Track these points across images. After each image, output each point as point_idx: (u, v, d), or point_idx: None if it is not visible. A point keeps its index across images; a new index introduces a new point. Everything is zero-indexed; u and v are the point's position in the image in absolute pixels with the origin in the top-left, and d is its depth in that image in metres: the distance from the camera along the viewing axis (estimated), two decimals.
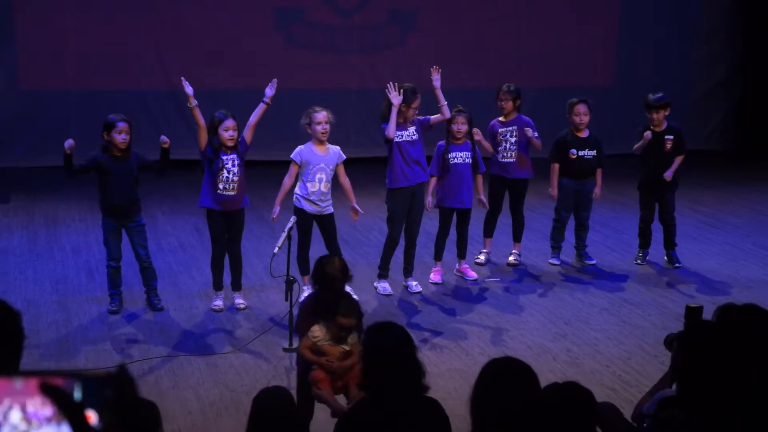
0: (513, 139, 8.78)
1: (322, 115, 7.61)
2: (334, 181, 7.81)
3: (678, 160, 8.84)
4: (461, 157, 8.25)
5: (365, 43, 13.40)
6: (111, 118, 7.36)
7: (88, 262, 8.82)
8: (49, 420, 1.75)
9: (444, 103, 7.95)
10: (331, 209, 7.83)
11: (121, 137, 7.30)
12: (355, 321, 5.32)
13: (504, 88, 8.78)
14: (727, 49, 14.59)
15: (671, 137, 8.83)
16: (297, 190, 7.76)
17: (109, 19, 12.47)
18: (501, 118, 8.84)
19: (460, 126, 8.20)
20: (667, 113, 8.81)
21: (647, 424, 3.97)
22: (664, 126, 8.84)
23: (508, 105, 8.75)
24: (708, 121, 14.52)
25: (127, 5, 12.54)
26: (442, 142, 8.30)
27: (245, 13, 12.91)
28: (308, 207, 7.73)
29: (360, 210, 7.95)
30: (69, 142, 7.29)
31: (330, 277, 5.39)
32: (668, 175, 8.78)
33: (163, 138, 7.63)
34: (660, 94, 8.85)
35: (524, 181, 8.94)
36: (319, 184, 7.68)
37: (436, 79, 7.96)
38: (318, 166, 7.67)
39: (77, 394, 1.75)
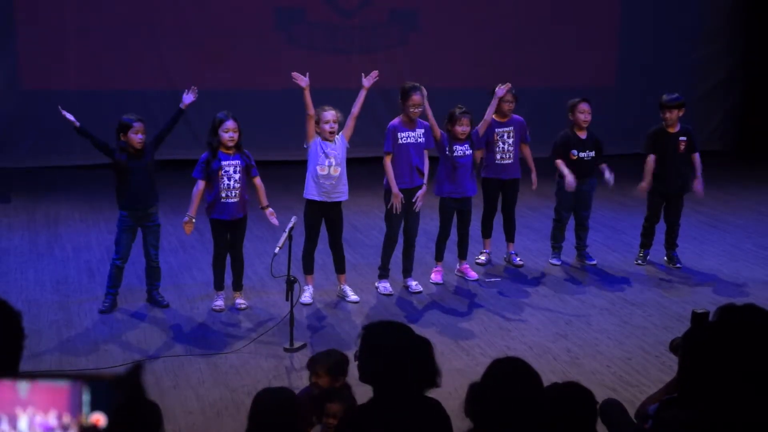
0: (511, 140, 8.77)
1: (330, 114, 7.69)
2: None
3: (697, 162, 8.92)
4: (461, 150, 8.27)
5: (366, 44, 13.40)
6: (127, 120, 7.44)
7: (89, 262, 8.82)
8: (52, 430, 1.75)
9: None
10: (342, 198, 7.87)
11: (138, 137, 7.42)
12: (341, 406, 4.99)
13: (509, 89, 8.71)
14: (727, 49, 14.60)
15: (684, 138, 8.84)
16: (307, 180, 7.79)
17: (110, 19, 12.48)
18: (495, 116, 8.71)
19: (465, 128, 8.21)
20: (681, 114, 8.81)
21: (649, 425, 3.96)
22: (677, 127, 8.84)
23: (512, 105, 8.74)
24: (708, 121, 14.52)
25: (127, 5, 12.54)
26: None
27: (246, 13, 12.92)
28: (318, 195, 7.76)
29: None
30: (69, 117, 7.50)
31: (316, 382, 5.11)
32: (699, 189, 8.92)
33: (188, 99, 7.67)
34: (675, 95, 8.86)
35: (517, 182, 8.95)
36: (328, 168, 7.73)
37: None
38: (326, 150, 7.73)
39: (86, 397, 1.76)
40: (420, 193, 8.07)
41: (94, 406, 1.75)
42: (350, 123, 7.85)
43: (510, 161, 8.81)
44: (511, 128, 8.77)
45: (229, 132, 7.45)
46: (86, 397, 1.75)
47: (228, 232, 7.69)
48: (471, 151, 8.32)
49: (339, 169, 7.78)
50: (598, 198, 9.19)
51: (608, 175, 8.77)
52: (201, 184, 7.51)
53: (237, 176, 7.51)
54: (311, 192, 7.82)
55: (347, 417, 4.09)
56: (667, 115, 8.78)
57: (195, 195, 7.53)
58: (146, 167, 7.54)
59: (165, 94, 12.78)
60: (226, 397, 6.18)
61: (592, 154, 8.85)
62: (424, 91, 7.98)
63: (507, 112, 8.73)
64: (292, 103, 12.66)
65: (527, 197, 9.96)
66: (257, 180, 7.65)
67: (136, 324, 7.46)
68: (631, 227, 9.85)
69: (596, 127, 9.08)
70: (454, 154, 8.24)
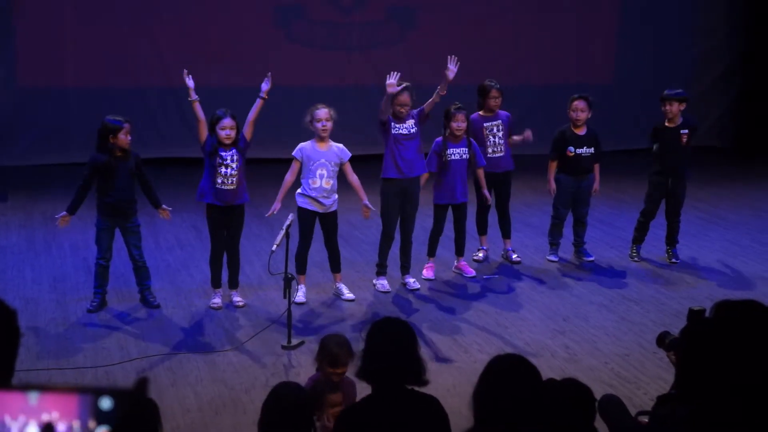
0: (500, 133, 8.81)
1: (322, 113, 7.63)
2: (342, 179, 7.81)
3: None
4: (458, 153, 8.27)
5: (364, 41, 13.39)
6: (116, 122, 7.38)
7: (86, 260, 8.81)
8: None
9: (443, 92, 7.85)
10: (335, 207, 7.84)
11: (128, 139, 7.39)
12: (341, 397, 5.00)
13: (495, 85, 8.75)
14: (725, 45, 14.59)
15: (686, 131, 8.83)
16: (299, 189, 7.77)
17: (108, 17, 12.45)
18: (482, 113, 8.81)
19: (460, 123, 8.21)
20: (682, 108, 8.80)
21: (648, 421, 3.97)
22: (679, 121, 8.84)
23: (499, 101, 8.77)
24: (706, 117, 14.49)
25: (126, 3, 12.52)
26: (439, 139, 8.30)
27: (245, 10, 12.90)
28: (311, 206, 7.73)
29: (371, 207, 7.91)
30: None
31: (334, 356, 4.95)
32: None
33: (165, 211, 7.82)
34: (679, 90, 8.88)
35: (510, 174, 8.96)
36: (320, 180, 7.70)
37: (452, 71, 7.89)
38: (318, 162, 7.69)
39: (93, 410, 1.77)
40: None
41: (101, 421, 1.77)
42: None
43: (501, 154, 8.83)
44: (499, 122, 8.81)
45: (225, 130, 7.44)
46: (94, 410, 1.77)
47: (224, 224, 7.65)
48: (467, 156, 8.30)
49: (331, 182, 7.74)
50: (596, 195, 9.18)
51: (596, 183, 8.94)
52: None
53: (234, 165, 7.49)
54: (303, 201, 7.79)
55: (346, 413, 4.09)
56: (667, 107, 8.79)
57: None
58: (131, 169, 7.50)
59: (163, 91, 12.77)
60: (224, 395, 6.18)
61: (591, 150, 8.85)
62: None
63: (494, 108, 8.78)
64: (291, 100, 12.68)
65: (524, 194, 9.97)
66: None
67: (134, 322, 7.46)
68: (629, 224, 9.84)
69: (594, 125, 9.07)
70: (450, 158, 8.22)
